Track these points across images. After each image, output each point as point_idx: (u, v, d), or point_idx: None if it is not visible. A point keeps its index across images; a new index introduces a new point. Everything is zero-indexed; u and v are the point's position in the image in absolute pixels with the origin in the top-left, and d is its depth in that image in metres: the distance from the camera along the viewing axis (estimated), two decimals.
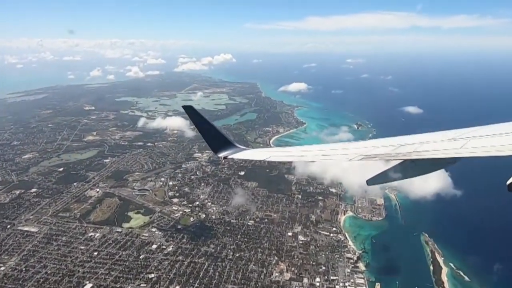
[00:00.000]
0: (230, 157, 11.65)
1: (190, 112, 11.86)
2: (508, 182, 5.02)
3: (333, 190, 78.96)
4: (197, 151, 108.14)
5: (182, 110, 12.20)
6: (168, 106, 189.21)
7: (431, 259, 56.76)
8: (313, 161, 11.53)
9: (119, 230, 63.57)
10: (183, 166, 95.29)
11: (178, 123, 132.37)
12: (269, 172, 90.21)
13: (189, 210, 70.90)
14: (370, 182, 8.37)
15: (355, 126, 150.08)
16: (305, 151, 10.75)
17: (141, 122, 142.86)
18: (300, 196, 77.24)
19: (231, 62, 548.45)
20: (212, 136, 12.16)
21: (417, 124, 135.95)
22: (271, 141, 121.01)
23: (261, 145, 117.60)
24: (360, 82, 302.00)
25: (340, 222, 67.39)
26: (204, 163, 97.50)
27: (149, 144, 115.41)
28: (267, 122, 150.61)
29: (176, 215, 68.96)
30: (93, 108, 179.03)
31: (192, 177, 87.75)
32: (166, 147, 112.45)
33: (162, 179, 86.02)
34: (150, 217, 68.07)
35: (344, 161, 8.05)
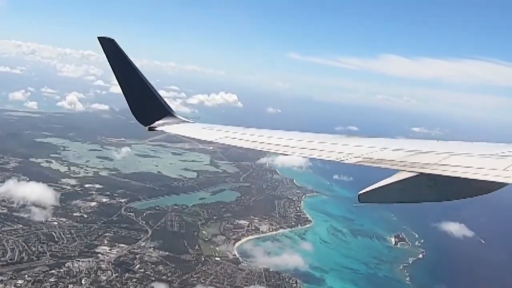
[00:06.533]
0: (160, 129, 12.18)
1: (110, 49, 11.78)
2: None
3: None
4: (106, 242, 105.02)
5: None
6: (108, 161, 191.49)
7: None
8: (287, 154, 11.59)
9: None
10: (68, 264, 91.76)
11: (38, 196, 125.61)
12: None
13: None
14: (364, 197, 8.53)
15: (393, 240, 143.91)
16: (284, 139, 11.38)
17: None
18: None
19: (233, 107, 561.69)
20: (139, 95, 12.45)
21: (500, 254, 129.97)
22: (235, 245, 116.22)
23: (217, 248, 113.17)
24: None
25: None
26: (105, 266, 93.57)
27: (36, 218, 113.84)
28: (249, 210, 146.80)
29: None
30: None
31: (70, 286, 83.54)
32: (61, 227, 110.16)
33: (19, 282, 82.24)
34: None
35: (336, 160, 9.52)
